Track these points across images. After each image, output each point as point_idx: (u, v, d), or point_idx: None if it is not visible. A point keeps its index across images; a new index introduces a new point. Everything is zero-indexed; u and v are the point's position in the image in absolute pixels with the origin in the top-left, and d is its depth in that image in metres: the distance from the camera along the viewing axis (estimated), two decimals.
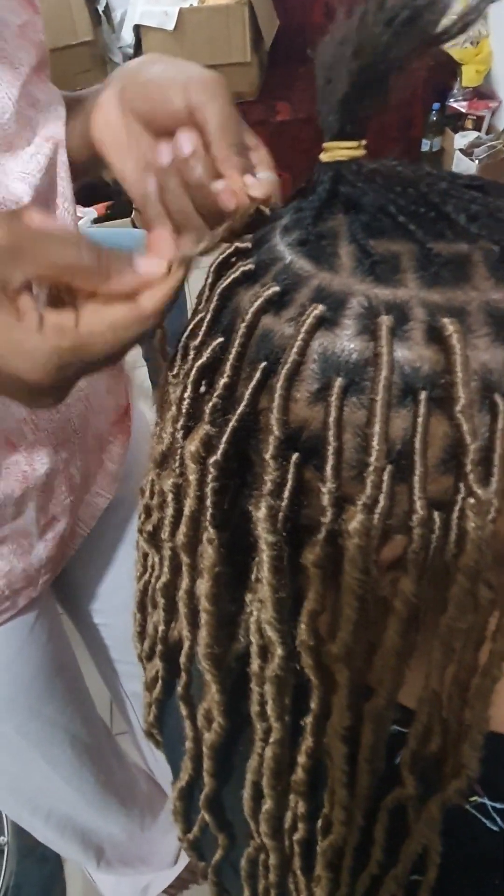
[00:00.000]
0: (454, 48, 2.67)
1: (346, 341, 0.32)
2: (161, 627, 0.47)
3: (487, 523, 0.31)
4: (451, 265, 0.32)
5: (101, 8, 2.80)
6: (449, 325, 0.30)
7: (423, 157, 2.80)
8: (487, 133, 2.68)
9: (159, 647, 0.48)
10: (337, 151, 0.35)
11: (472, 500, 0.31)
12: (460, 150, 2.60)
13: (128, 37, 2.78)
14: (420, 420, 0.31)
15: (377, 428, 0.31)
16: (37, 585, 0.77)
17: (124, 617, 0.97)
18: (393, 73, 0.32)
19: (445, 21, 0.32)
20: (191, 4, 2.51)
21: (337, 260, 0.33)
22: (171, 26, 2.50)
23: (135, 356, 2.07)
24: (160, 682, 0.49)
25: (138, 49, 2.73)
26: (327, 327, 0.32)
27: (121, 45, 2.88)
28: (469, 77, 2.69)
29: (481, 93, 2.74)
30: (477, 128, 2.68)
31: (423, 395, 0.31)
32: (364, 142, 0.34)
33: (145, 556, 0.49)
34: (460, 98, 2.73)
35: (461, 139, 2.64)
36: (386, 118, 2.65)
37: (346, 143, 0.34)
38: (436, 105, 2.70)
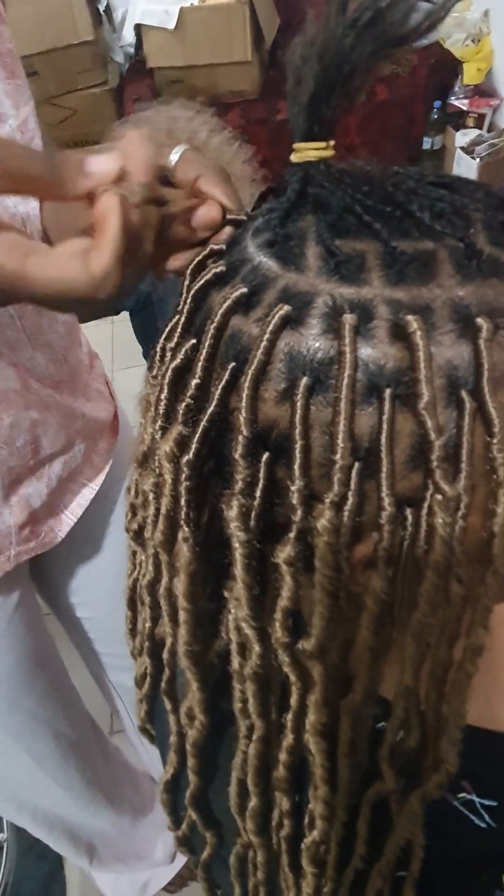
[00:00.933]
0: (455, 46, 2.67)
1: (312, 340, 0.32)
2: (148, 624, 0.47)
3: (456, 519, 0.31)
4: (415, 263, 0.32)
5: (101, 7, 2.81)
6: (412, 322, 0.30)
7: (424, 156, 2.79)
8: (489, 131, 2.67)
9: (146, 644, 0.48)
10: (306, 152, 0.35)
11: (439, 497, 0.31)
12: (462, 148, 2.59)
13: (129, 36, 2.79)
14: (385, 417, 0.31)
15: (342, 426, 0.31)
16: (9, 556, 0.78)
17: (106, 609, 0.99)
18: (358, 75, 0.33)
19: (412, 21, 0.33)
20: (191, 3, 2.51)
21: (304, 260, 0.33)
22: (171, 25, 2.50)
23: (134, 355, 2.08)
24: (149, 678, 0.49)
25: (139, 48, 2.74)
26: (293, 327, 0.32)
27: (122, 45, 2.89)
28: (470, 75, 2.68)
29: (482, 91, 2.73)
30: (478, 126, 2.67)
31: (387, 393, 0.31)
32: (332, 142, 0.35)
33: (134, 553, 0.49)
34: (462, 96, 2.71)
35: (462, 137, 2.63)
36: (387, 116, 2.65)
37: (315, 143, 0.35)
38: (437, 103, 2.70)
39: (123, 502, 0.92)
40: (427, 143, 2.77)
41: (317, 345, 0.32)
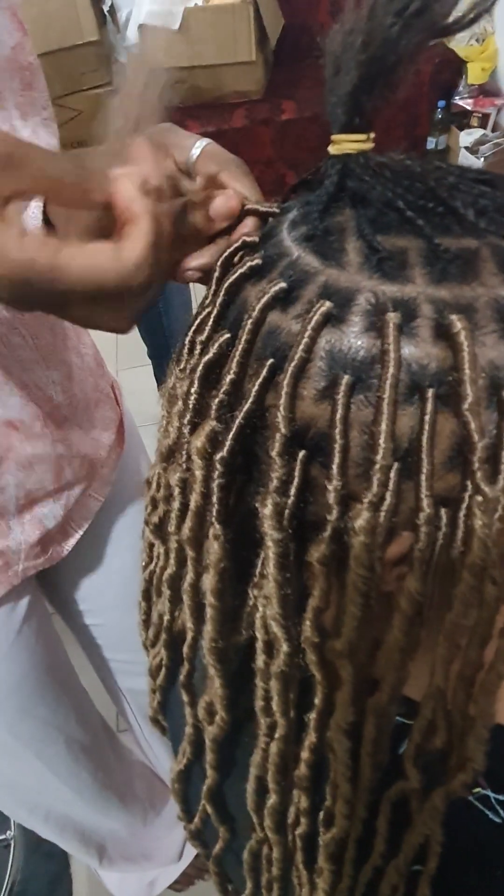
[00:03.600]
0: (459, 46, 2.67)
1: (353, 338, 0.31)
2: (166, 617, 0.47)
3: (495, 521, 0.31)
4: (458, 261, 0.32)
5: (106, 8, 2.79)
6: (457, 322, 0.30)
7: (428, 155, 2.79)
8: (493, 131, 2.67)
9: (164, 636, 0.48)
10: (345, 144, 0.34)
11: (479, 498, 0.31)
12: (466, 147, 2.59)
13: (133, 36, 2.78)
14: (427, 418, 0.31)
15: (384, 426, 0.31)
16: (17, 571, 0.77)
17: (115, 615, 0.99)
18: (402, 65, 0.32)
19: (455, 12, 0.32)
20: (196, 4, 2.50)
21: (344, 256, 0.33)
22: (176, 26, 2.49)
23: (139, 354, 2.07)
24: (164, 669, 0.49)
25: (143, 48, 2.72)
26: (334, 324, 0.32)
27: (126, 45, 2.87)
28: (475, 75, 2.67)
29: (487, 90, 2.72)
30: (482, 125, 2.66)
31: (430, 393, 0.30)
32: (373, 134, 0.34)
33: (151, 546, 0.49)
34: (466, 95, 2.71)
35: (467, 137, 2.62)
36: (391, 116, 2.64)
37: (355, 135, 0.34)
38: (441, 103, 2.69)
39: (130, 508, 0.92)
40: (431, 143, 2.77)
41: (359, 343, 0.31)
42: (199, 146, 0.46)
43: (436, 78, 2.68)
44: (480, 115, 2.65)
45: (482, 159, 2.50)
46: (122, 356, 2.49)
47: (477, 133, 2.62)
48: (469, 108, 2.67)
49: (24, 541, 0.76)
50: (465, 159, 2.57)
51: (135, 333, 1.85)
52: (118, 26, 2.87)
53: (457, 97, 2.72)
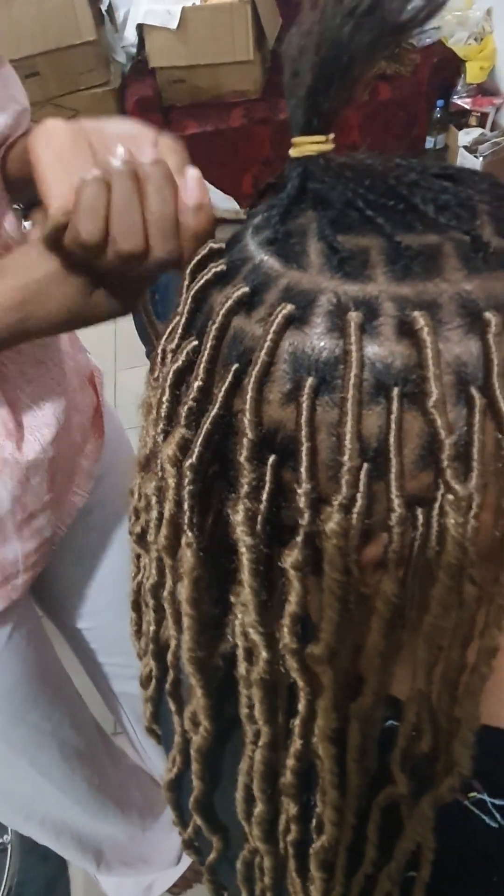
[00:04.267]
0: (458, 45, 2.67)
1: (316, 340, 0.31)
2: (152, 627, 0.47)
3: (468, 519, 0.30)
4: (420, 257, 0.31)
5: (104, 7, 2.81)
6: (419, 319, 0.30)
7: (427, 155, 2.78)
8: (492, 130, 2.66)
9: (151, 647, 0.48)
10: (305, 147, 0.34)
11: (450, 497, 0.30)
12: (464, 147, 2.59)
13: (131, 36, 2.80)
14: (393, 417, 0.30)
15: (349, 426, 0.30)
16: (17, 586, 0.77)
17: (108, 618, 0.98)
18: (357, 65, 0.32)
19: (410, 9, 0.32)
20: (193, 3, 2.51)
21: (306, 258, 0.33)
22: (173, 25, 2.51)
23: (137, 355, 2.07)
24: (153, 680, 0.49)
25: (141, 48, 2.74)
26: (297, 326, 0.32)
27: (124, 45, 2.89)
28: (473, 74, 2.67)
29: (485, 89, 2.72)
30: (481, 124, 2.66)
31: (395, 392, 0.30)
32: (332, 135, 0.34)
33: (137, 556, 0.49)
34: (464, 95, 2.71)
35: (465, 136, 2.62)
36: (390, 115, 2.65)
37: (314, 137, 0.34)
38: (440, 102, 2.69)
39: (121, 511, 0.92)
40: (430, 143, 2.77)
41: (322, 344, 0.31)
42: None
43: (434, 77, 2.69)
44: (479, 114, 2.65)
45: (481, 158, 2.50)
46: (119, 357, 2.50)
47: (475, 132, 2.62)
48: (468, 107, 2.67)
49: (21, 552, 0.76)
50: (464, 158, 2.56)
51: (132, 334, 1.85)
52: (116, 26, 2.90)
53: (455, 96, 2.72)
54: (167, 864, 1.29)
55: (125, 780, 1.17)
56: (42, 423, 0.74)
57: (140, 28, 2.65)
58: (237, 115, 2.62)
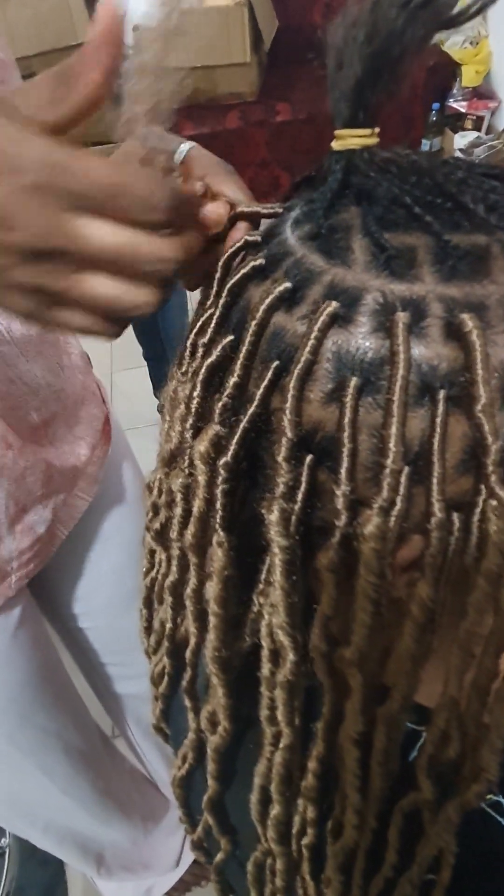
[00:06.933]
0: (453, 49, 2.67)
1: (361, 339, 0.31)
2: (168, 624, 0.46)
3: None
4: (468, 258, 0.31)
5: None
6: (468, 321, 0.29)
7: None
8: (487, 133, 2.67)
9: (166, 644, 0.47)
10: (349, 139, 0.33)
11: (493, 502, 0.30)
12: (460, 150, 2.59)
13: (127, 37, 2.77)
14: (438, 420, 0.30)
15: (394, 429, 0.30)
16: (10, 583, 0.76)
17: (108, 617, 0.97)
18: (407, 58, 0.31)
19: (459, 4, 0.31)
20: (190, 5, 2.50)
21: (350, 254, 0.32)
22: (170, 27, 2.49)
23: (134, 356, 2.06)
24: (166, 677, 0.48)
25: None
26: (341, 325, 0.31)
27: None
28: (468, 77, 2.68)
29: (481, 93, 2.73)
30: (477, 128, 2.66)
31: (441, 395, 0.30)
32: (377, 129, 0.33)
33: (152, 552, 0.48)
34: (460, 98, 2.71)
35: (461, 139, 2.63)
36: (386, 118, 2.63)
37: (359, 130, 0.33)
38: (435, 105, 2.69)
39: (118, 508, 0.91)
40: (426, 146, 2.76)
41: (367, 344, 0.30)
42: (182, 151, 0.45)
43: (430, 80, 2.68)
44: (474, 117, 2.66)
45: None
46: (117, 358, 2.48)
47: (471, 135, 2.62)
48: (463, 110, 2.68)
49: (15, 549, 0.75)
50: None
51: (130, 335, 1.84)
52: None
53: (451, 100, 2.72)
54: (167, 868, 1.28)
55: (126, 783, 1.16)
56: (42, 434, 0.74)
57: (136, 30, 2.63)
58: (233, 117, 2.60)
